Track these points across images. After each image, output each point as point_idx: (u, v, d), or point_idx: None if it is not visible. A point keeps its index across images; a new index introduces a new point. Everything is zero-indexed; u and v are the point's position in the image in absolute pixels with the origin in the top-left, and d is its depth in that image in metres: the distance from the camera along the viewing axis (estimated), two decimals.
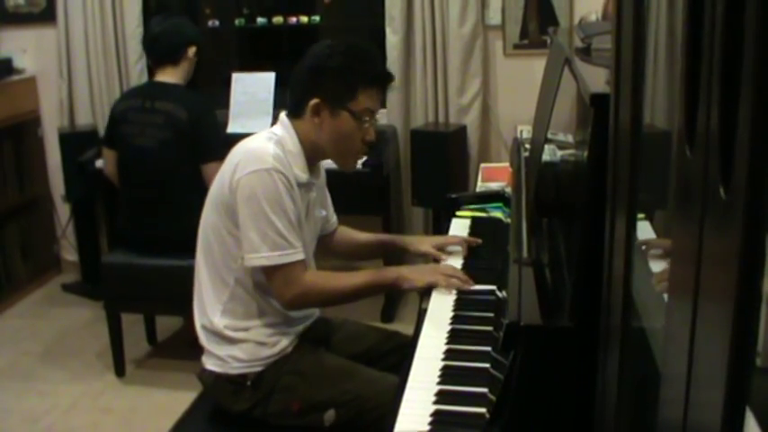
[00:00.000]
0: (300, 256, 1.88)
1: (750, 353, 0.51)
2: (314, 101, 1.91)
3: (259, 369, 1.93)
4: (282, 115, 2.00)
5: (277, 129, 1.97)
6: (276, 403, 1.92)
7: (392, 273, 1.99)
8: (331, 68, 1.92)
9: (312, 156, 1.98)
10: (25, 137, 4.34)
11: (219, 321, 1.94)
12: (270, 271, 1.87)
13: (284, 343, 1.97)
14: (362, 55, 1.96)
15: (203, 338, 1.98)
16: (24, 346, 3.69)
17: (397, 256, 2.89)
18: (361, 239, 2.35)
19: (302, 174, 1.94)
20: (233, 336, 1.94)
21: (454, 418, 1.44)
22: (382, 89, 2.00)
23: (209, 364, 1.97)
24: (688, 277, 0.61)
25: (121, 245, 3.31)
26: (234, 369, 1.93)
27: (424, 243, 2.25)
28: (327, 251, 2.31)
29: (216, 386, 1.98)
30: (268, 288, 1.92)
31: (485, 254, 2.18)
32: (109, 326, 3.29)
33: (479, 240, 2.22)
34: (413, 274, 1.96)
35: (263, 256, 1.84)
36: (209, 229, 1.96)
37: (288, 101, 2.01)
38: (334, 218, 2.28)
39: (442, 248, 2.21)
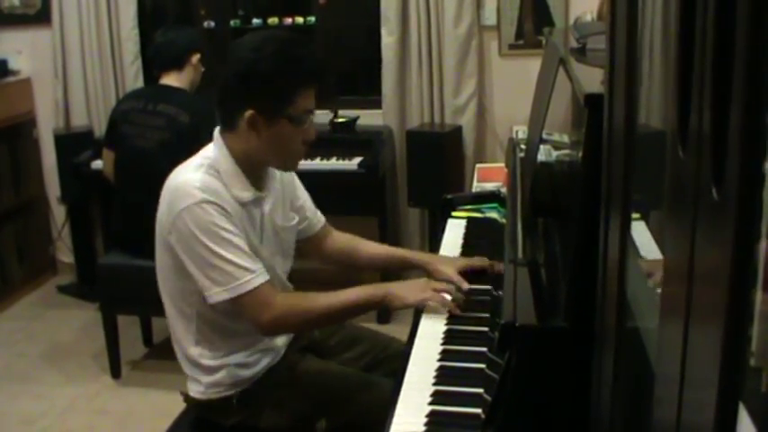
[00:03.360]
0: (262, 279, 1.75)
1: (743, 352, 0.51)
2: (248, 113, 1.74)
3: (243, 389, 1.87)
4: (216, 132, 1.86)
5: (209, 150, 1.83)
6: (267, 419, 1.88)
7: (381, 290, 1.84)
8: (261, 75, 1.73)
9: (252, 169, 1.82)
10: (20, 138, 4.33)
11: (195, 351, 1.86)
12: (236, 302, 1.74)
13: (266, 360, 1.90)
14: (294, 54, 1.76)
15: (184, 365, 1.92)
16: (20, 348, 3.68)
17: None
18: (370, 251, 2.18)
19: (245, 193, 1.80)
20: (211, 364, 1.86)
21: (450, 419, 1.44)
22: (319, 85, 1.81)
23: (192, 391, 1.91)
24: (681, 277, 0.61)
25: (117, 246, 3.31)
26: (217, 394, 1.87)
27: (448, 266, 2.00)
28: (322, 256, 2.17)
29: (201, 408, 1.93)
30: (235, 311, 1.79)
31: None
32: (105, 328, 3.28)
33: (500, 265, 1.97)
34: (403, 292, 1.82)
35: (223, 290, 1.72)
36: (160, 267, 1.86)
37: (217, 113, 1.85)
38: (317, 217, 2.12)
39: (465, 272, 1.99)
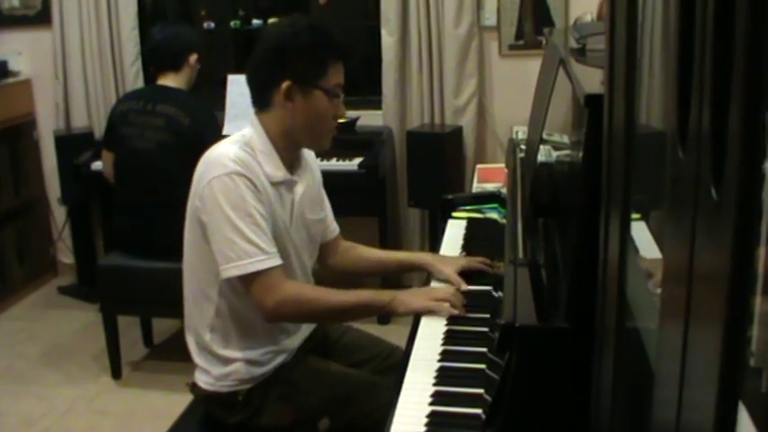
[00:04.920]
0: (275, 262, 1.77)
1: (742, 352, 0.51)
2: (285, 84, 1.81)
3: (251, 385, 1.88)
4: (253, 114, 1.91)
5: (246, 129, 1.88)
6: (270, 415, 1.88)
7: (386, 295, 1.85)
8: (299, 47, 1.82)
9: (285, 148, 1.88)
10: (21, 139, 4.33)
11: (210, 339, 1.87)
12: (245, 281, 1.76)
13: (279, 360, 1.91)
14: (327, 29, 1.87)
15: (195, 354, 1.92)
16: (20, 348, 3.68)
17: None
18: (372, 257, 2.20)
19: (277, 172, 1.84)
20: (225, 355, 1.87)
21: (450, 420, 1.44)
22: (345, 63, 1.89)
23: (201, 381, 1.91)
24: (680, 277, 0.61)
25: (117, 247, 3.31)
26: (225, 388, 1.88)
27: (448, 266, 2.02)
28: (328, 263, 2.18)
29: (208, 401, 1.93)
30: (244, 293, 1.81)
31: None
32: (105, 328, 3.28)
33: (500, 265, 2.01)
34: (408, 298, 1.84)
35: (234, 266, 1.74)
36: (188, 244, 1.89)
37: (251, 94, 1.90)
38: (333, 225, 2.16)
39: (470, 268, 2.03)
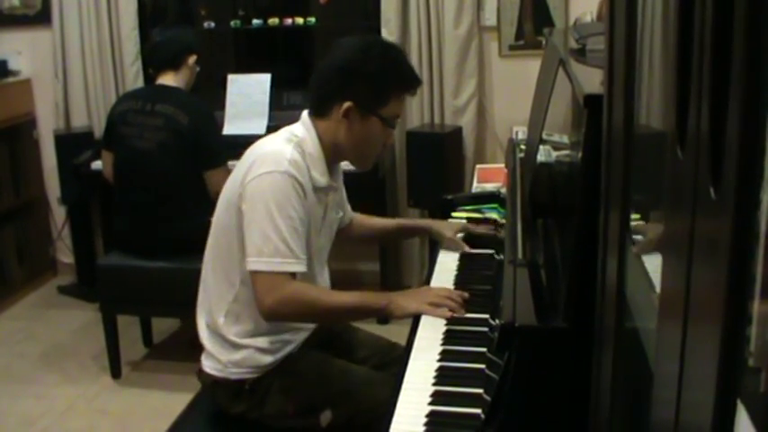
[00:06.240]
0: (298, 268, 1.80)
1: (741, 352, 0.51)
2: (346, 104, 1.86)
3: (258, 375, 1.91)
4: (304, 114, 1.94)
5: (298, 129, 1.91)
6: (272, 405, 1.91)
7: (384, 298, 1.88)
8: (367, 74, 1.86)
9: (332, 157, 1.94)
10: (20, 139, 4.33)
11: (223, 323, 1.90)
12: (257, 275, 1.79)
13: (287, 350, 1.94)
14: (398, 61, 1.92)
15: (205, 338, 1.95)
16: (20, 348, 3.68)
17: (397, 261, 2.73)
18: (379, 224, 2.34)
19: (322, 178, 1.89)
20: (235, 341, 1.89)
21: (449, 419, 1.44)
22: (411, 94, 2.00)
23: (209, 367, 1.94)
24: (679, 277, 0.61)
25: (117, 247, 3.31)
26: (233, 375, 1.90)
27: (448, 229, 2.23)
28: (346, 239, 2.27)
29: (214, 388, 1.96)
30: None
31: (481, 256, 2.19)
32: (105, 328, 3.28)
33: (492, 228, 2.25)
34: (405, 301, 1.86)
35: (263, 261, 1.77)
36: (219, 228, 1.92)
37: (311, 99, 1.95)
38: (349, 212, 2.24)
39: (467, 231, 2.23)
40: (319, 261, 1.99)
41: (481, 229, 2.26)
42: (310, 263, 1.88)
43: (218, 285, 1.92)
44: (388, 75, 1.88)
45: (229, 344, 1.90)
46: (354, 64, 1.87)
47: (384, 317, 2.00)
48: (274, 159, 1.81)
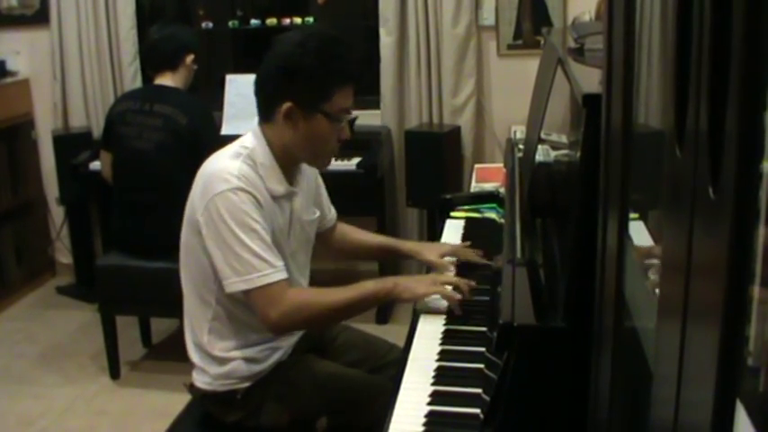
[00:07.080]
0: (281, 276, 1.76)
1: (740, 351, 0.51)
2: (286, 105, 1.79)
3: (249, 384, 1.88)
4: (255, 124, 1.89)
5: (248, 140, 1.85)
6: (268, 414, 1.88)
7: (390, 282, 1.83)
8: (303, 70, 1.78)
9: (287, 163, 1.86)
10: (19, 139, 4.33)
11: (207, 341, 1.87)
12: (251, 294, 1.75)
13: (276, 357, 1.91)
14: (337, 52, 1.81)
15: (193, 353, 1.92)
16: (19, 348, 3.68)
17: (394, 261, 2.70)
18: (362, 240, 2.25)
19: (279, 186, 1.83)
20: (222, 356, 1.86)
21: (448, 419, 1.44)
22: (356, 85, 1.87)
23: (198, 381, 1.91)
24: (678, 277, 0.61)
25: (116, 247, 3.30)
26: (224, 387, 1.88)
27: (432, 253, 2.10)
28: (327, 248, 2.21)
29: (205, 400, 1.93)
30: (249, 305, 1.81)
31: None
32: (103, 328, 3.28)
33: (480, 253, 2.12)
34: (412, 284, 1.83)
35: (241, 280, 1.73)
36: (187, 250, 1.88)
37: (257, 103, 1.88)
38: (332, 213, 2.17)
39: (455, 255, 2.11)
40: (296, 264, 1.94)
41: (470, 255, 2.11)
42: (288, 267, 1.83)
43: (196, 306, 1.89)
44: (326, 68, 1.79)
45: (216, 359, 1.88)
46: (291, 60, 1.79)
47: (392, 300, 1.92)
48: (222, 178, 1.75)
